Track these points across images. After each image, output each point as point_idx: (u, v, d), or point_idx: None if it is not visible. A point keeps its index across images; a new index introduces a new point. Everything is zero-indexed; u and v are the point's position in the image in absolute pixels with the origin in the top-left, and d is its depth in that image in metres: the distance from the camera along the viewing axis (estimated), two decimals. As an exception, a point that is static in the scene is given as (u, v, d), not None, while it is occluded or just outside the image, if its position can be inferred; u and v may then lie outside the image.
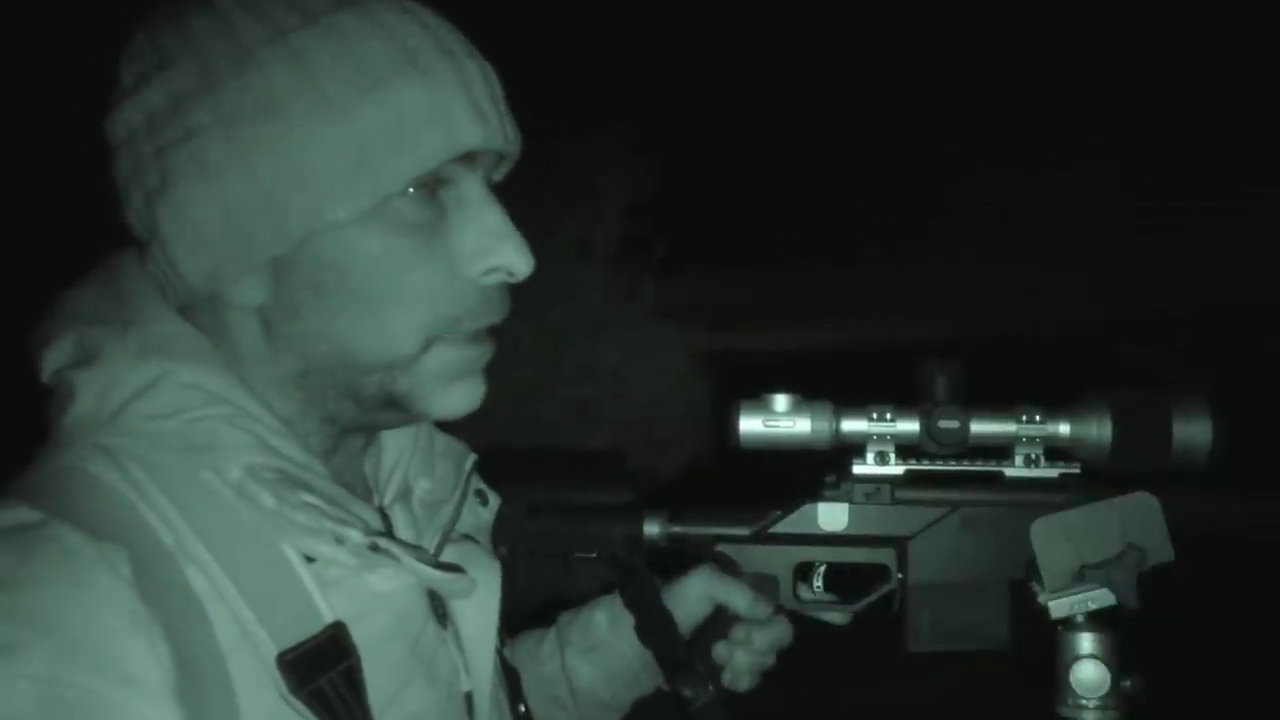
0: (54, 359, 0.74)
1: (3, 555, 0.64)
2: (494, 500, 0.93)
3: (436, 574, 0.76)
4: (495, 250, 0.75)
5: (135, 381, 0.71)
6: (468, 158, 0.74)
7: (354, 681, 0.71)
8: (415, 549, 0.77)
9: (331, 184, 0.69)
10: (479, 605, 0.84)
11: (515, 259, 0.75)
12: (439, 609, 0.83)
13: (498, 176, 0.81)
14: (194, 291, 0.73)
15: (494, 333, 0.80)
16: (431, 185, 0.73)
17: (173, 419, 0.71)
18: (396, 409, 0.77)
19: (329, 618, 0.71)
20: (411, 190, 0.72)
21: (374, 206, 0.71)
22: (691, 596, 1.04)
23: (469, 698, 0.83)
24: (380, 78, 0.69)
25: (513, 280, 0.77)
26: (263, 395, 0.75)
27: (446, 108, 0.71)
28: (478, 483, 0.92)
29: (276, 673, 0.68)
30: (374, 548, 0.72)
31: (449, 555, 0.84)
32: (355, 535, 0.71)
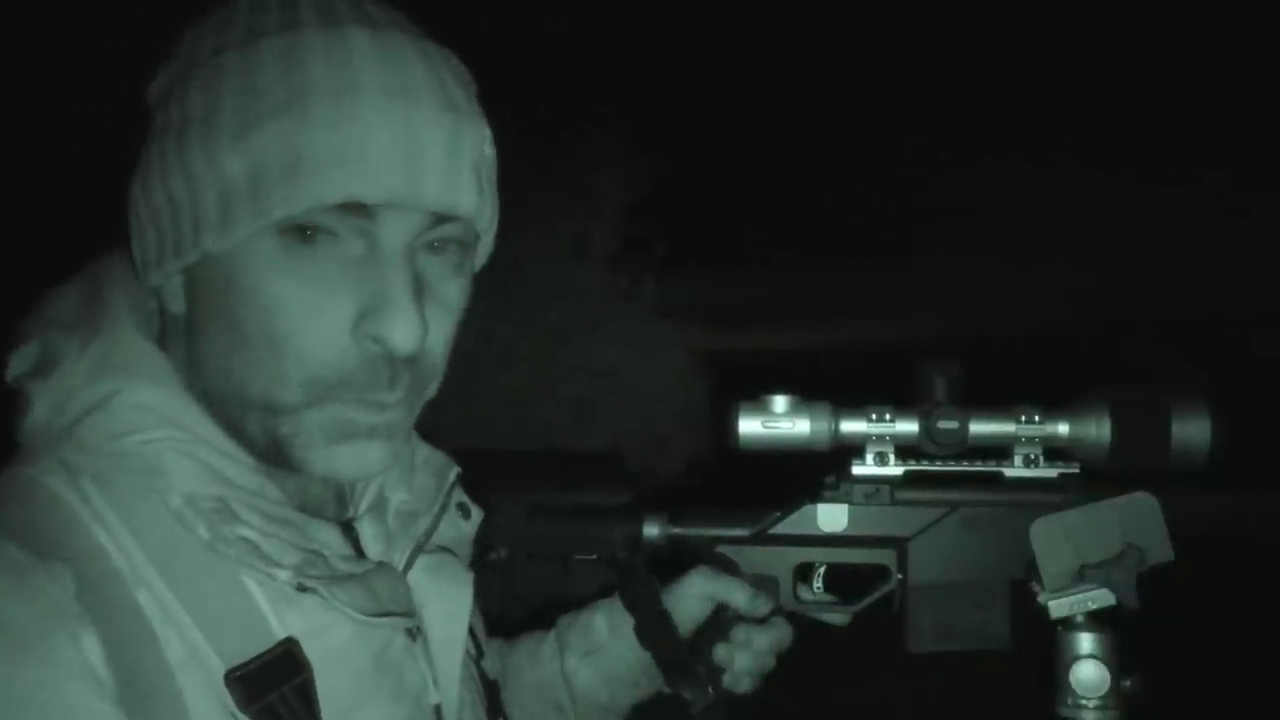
0: (17, 364, 0.75)
1: None
2: (477, 514, 0.92)
3: (362, 618, 0.74)
4: (380, 317, 0.69)
5: (88, 398, 0.72)
6: (362, 210, 0.68)
7: (307, 697, 0.71)
8: (356, 579, 0.75)
9: (208, 212, 0.68)
10: (447, 617, 0.83)
11: (397, 332, 0.69)
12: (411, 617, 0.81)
13: (484, 244, 0.78)
14: (143, 281, 0.75)
15: (406, 404, 0.74)
16: (312, 232, 0.68)
17: (124, 439, 0.71)
18: (278, 455, 0.74)
19: (280, 634, 0.71)
20: (290, 234, 0.68)
21: (252, 240, 0.68)
22: (691, 596, 1.04)
23: (438, 710, 0.82)
24: (261, 114, 0.67)
25: (396, 355, 0.70)
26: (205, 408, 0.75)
27: (317, 154, 0.66)
28: (460, 495, 0.90)
29: (224, 690, 0.68)
30: (300, 588, 0.71)
31: (421, 567, 0.83)
32: (283, 575, 0.71)
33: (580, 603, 1.08)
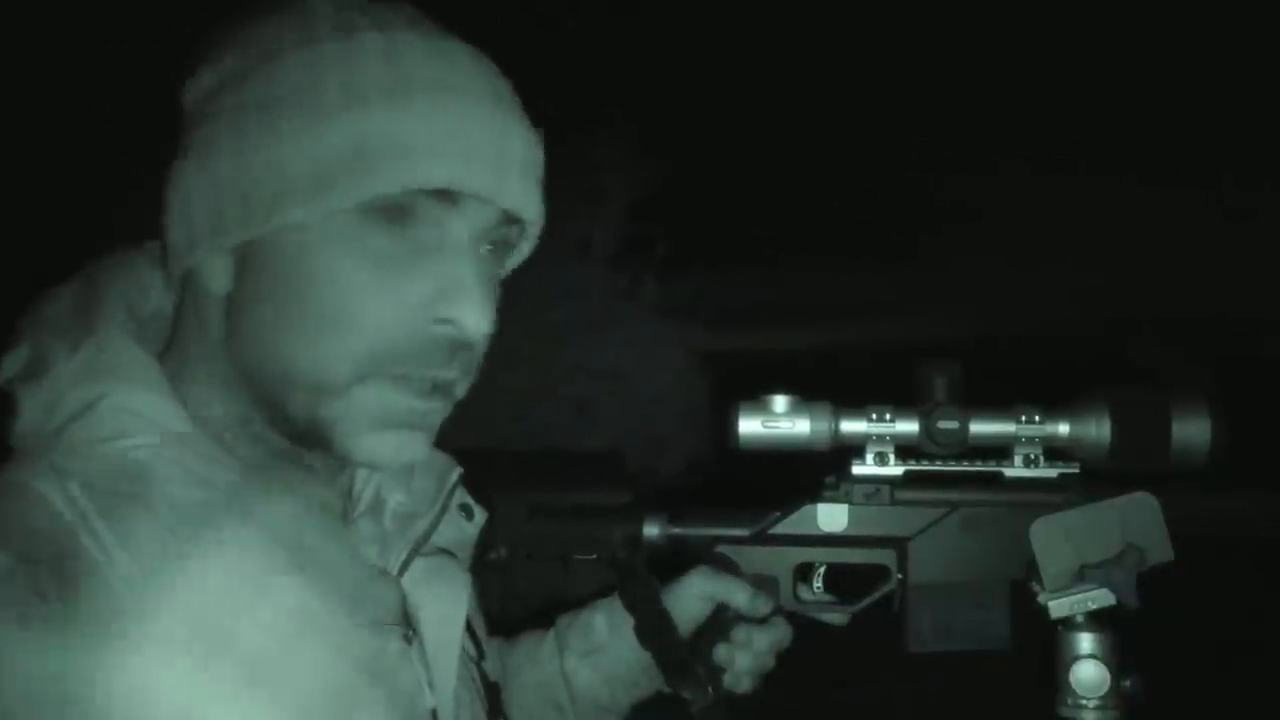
0: (9, 367, 0.75)
1: None
2: (480, 515, 0.92)
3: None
4: (450, 299, 0.73)
5: (75, 402, 0.72)
6: (448, 197, 0.72)
7: None
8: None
9: (293, 184, 0.70)
10: (443, 620, 0.84)
11: (469, 316, 0.73)
12: (405, 630, 0.81)
13: (521, 252, 0.82)
14: (177, 261, 0.75)
15: (447, 395, 0.77)
16: (400, 217, 0.72)
17: (110, 444, 0.71)
18: (319, 439, 0.75)
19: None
20: (377, 216, 0.71)
21: (332, 219, 0.71)
22: (691, 596, 1.04)
23: (434, 713, 0.82)
24: (365, 97, 0.70)
25: (462, 339, 0.74)
26: (221, 394, 0.76)
27: (418, 141, 0.70)
28: (463, 496, 0.90)
29: None
30: None
31: (419, 569, 0.83)
32: None
33: (580, 603, 1.08)
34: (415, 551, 0.83)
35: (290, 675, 0.71)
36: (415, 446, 0.76)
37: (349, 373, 0.72)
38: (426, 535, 0.84)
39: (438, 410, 0.77)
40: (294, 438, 0.76)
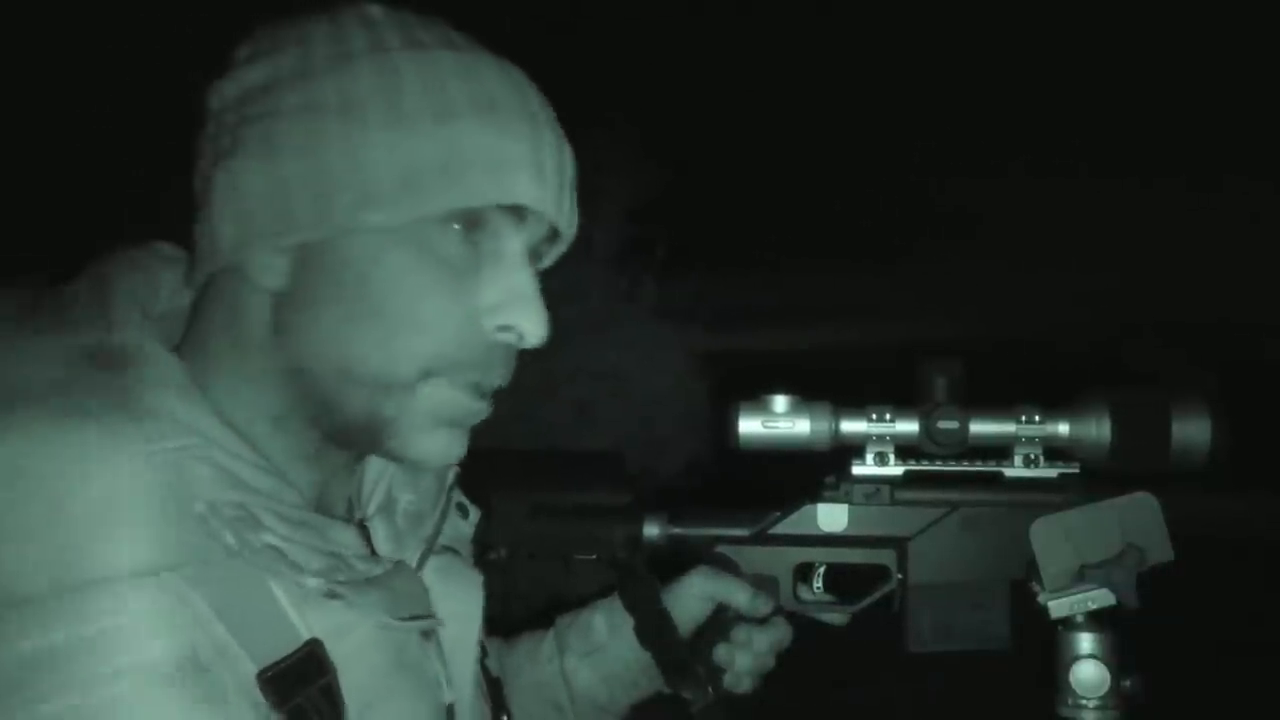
0: None
1: None
2: (474, 513, 0.93)
3: (394, 622, 0.76)
4: (514, 309, 0.76)
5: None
6: (516, 213, 0.75)
7: (332, 698, 0.71)
8: (378, 583, 0.76)
9: (379, 189, 0.71)
10: (461, 618, 0.84)
11: (529, 324, 0.76)
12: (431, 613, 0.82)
13: (547, 261, 0.83)
14: (221, 256, 0.74)
15: (492, 398, 0.79)
16: (473, 226, 0.74)
17: (146, 445, 0.70)
18: (373, 436, 0.76)
19: (305, 635, 0.71)
20: (453, 224, 0.74)
21: (411, 224, 0.72)
22: (691, 596, 1.04)
23: (450, 709, 0.83)
24: (457, 111, 0.72)
25: (521, 344, 0.78)
26: (252, 388, 0.76)
27: (508, 158, 0.73)
28: (458, 495, 0.91)
29: (257, 690, 0.68)
30: (330, 594, 0.72)
31: (432, 568, 0.84)
32: (312, 582, 0.71)
33: (580, 603, 1.08)
34: (430, 550, 0.84)
35: (350, 661, 0.72)
36: (461, 445, 0.79)
37: (415, 373, 0.74)
38: (437, 532, 0.85)
39: (485, 411, 0.79)
40: (340, 434, 0.77)
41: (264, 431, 0.76)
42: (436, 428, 0.77)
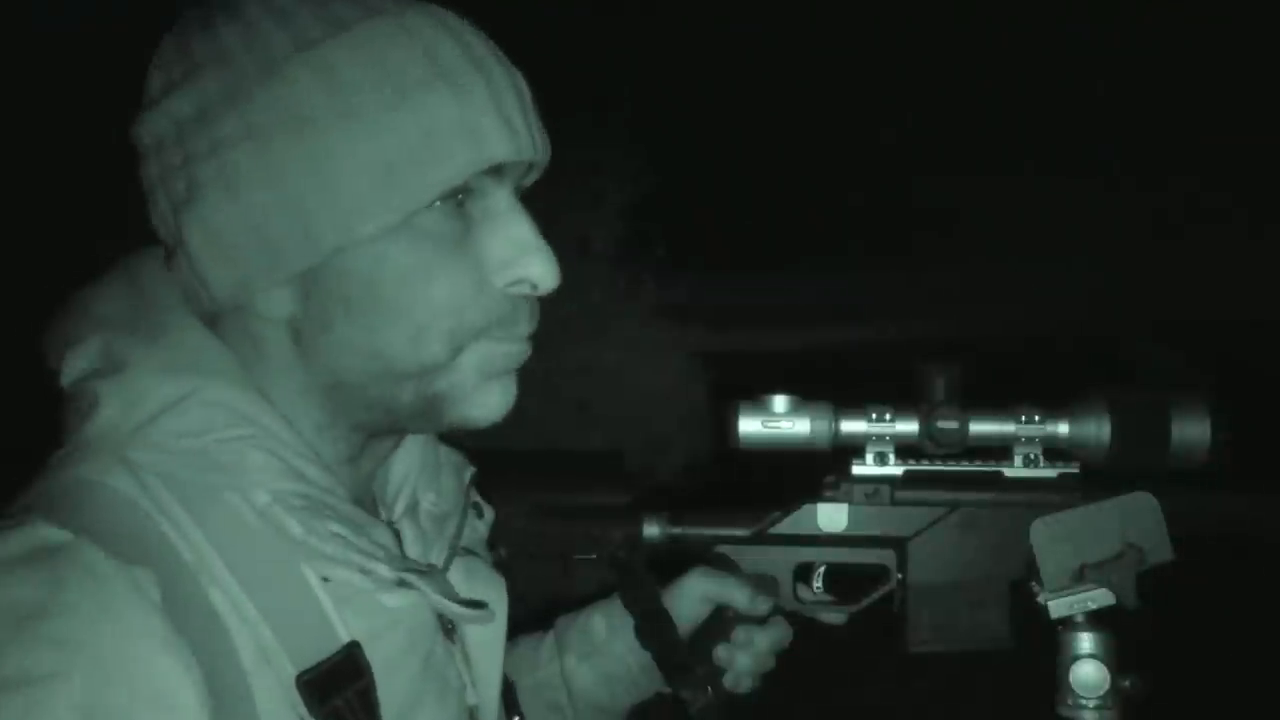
0: (78, 364, 0.73)
1: (34, 583, 0.62)
2: (489, 513, 0.93)
3: (459, 609, 0.77)
4: (521, 262, 0.74)
5: (164, 396, 0.70)
6: (495, 169, 0.73)
7: (368, 701, 0.71)
8: (432, 574, 0.77)
9: (359, 199, 0.69)
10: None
11: (541, 271, 0.75)
12: (446, 623, 0.82)
13: (528, 182, 0.80)
14: (220, 302, 0.73)
15: (530, 341, 0.79)
16: (459, 197, 0.73)
17: (200, 438, 0.70)
18: (434, 414, 0.76)
19: (345, 637, 0.71)
20: (439, 203, 0.71)
21: (402, 220, 0.70)
22: (690, 597, 1.04)
23: (472, 712, 0.83)
24: (408, 91, 0.69)
25: (538, 293, 0.77)
26: (290, 406, 0.75)
27: (475, 121, 0.70)
28: (474, 495, 0.91)
29: (295, 694, 0.68)
30: (401, 583, 0.72)
31: (457, 570, 0.83)
32: (383, 570, 0.71)
33: (580, 603, 1.08)
34: (455, 551, 0.84)
35: (384, 664, 0.72)
36: (513, 389, 0.79)
37: (450, 351, 0.74)
38: (459, 533, 0.85)
39: (527, 351, 0.79)
40: (398, 424, 0.78)
41: (310, 438, 0.76)
42: (489, 381, 0.76)
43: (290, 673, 0.68)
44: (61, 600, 0.62)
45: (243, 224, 0.69)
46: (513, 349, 0.77)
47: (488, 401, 0.77)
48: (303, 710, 0.68)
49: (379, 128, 0.68)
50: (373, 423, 0.77)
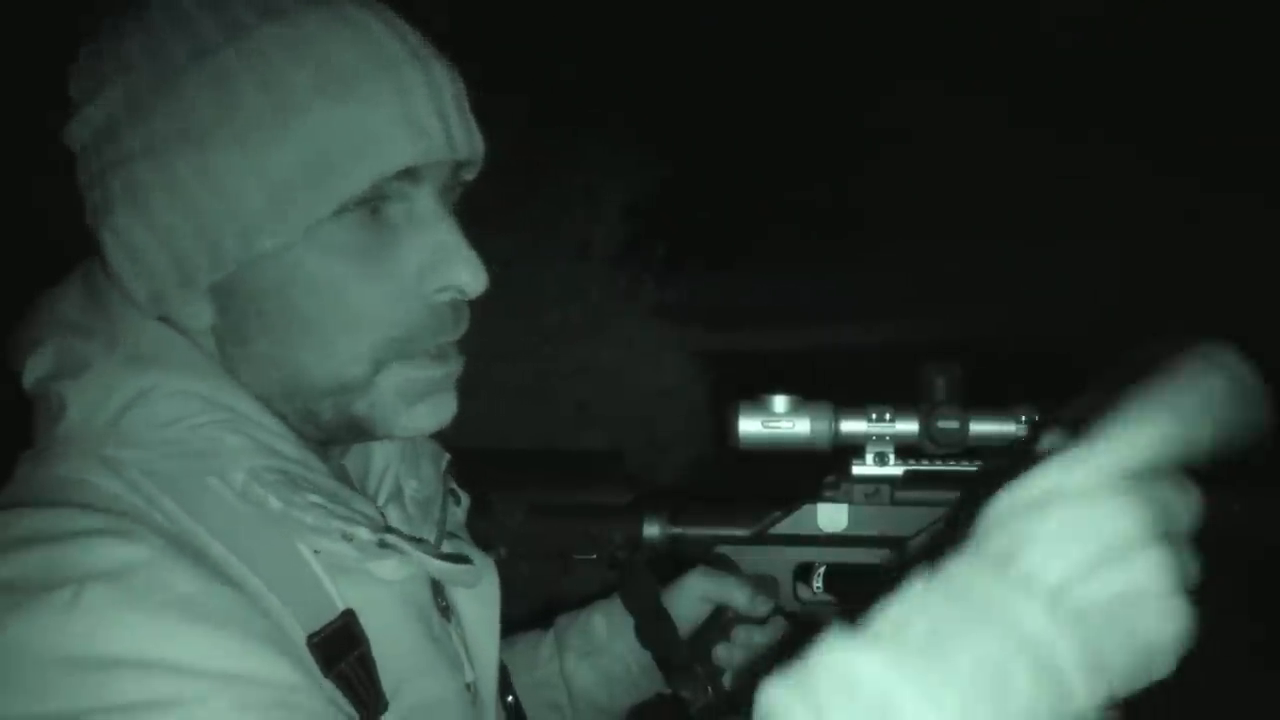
0: (36, 367, 0.73)
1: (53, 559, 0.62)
2: (465, 499, 0.94)
3: (445, 565, 0.77)
4: (445, 267, 0.72)
5: (127, 392, 0.71)
6: (409, 173, 0.71)
7: (368, 668, 0.72)
8: (419, 541, 0.77)
9: (256, 214, 0.68)
10: (480, 597, 0.85)
11: (465, 276, 0.73)
12: (440, 602, 0.83)
13: (467, 177, 0.78)
14: (145, 310, 0.73)
15: (460, 347, 0.77)
16: (370, 204, 0.71)
17: (172, 427, 0.70)
18: (358, 430, 0.76)
19: (341, 605, 0.72)
20: (347, 212, 0.70)
21: (305, 232, 0.69)
22: (690, 597, 1.04)
23: (470, 688, 0.83)
24: (299, 102, 0.67)
25: (466, 298, 0.75)
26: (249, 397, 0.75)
27: (374, 128, 0.68)
28: (450, 481, 0.91)
29: (308, 655, 0.68)
30: (382, 544, 0.72)
31: (446, 549, 0.84)
32: (363, 533, 0.71)
33: (580, 603, 1.08)
34: (443, 532, 0.84)
35: (381, 634, 0.72)
36: (448, 405, 0.77)
37: (367, 369, 0.73)
38: (444, 516, 0.85)
39: (456, 368, 0.77)
40: (328, 435, 0.77)
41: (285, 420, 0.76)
42: (414, 404, 0.75)
43: (300, 635, 0.68)
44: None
45: (151, 238, 0.69)
46: (435, 374, 0.75)
47: (416, 422, 0.76)
48: (316, 673, 0.68)
49: (272, 142, 0.67)
50: (307, 432, 0.76)
